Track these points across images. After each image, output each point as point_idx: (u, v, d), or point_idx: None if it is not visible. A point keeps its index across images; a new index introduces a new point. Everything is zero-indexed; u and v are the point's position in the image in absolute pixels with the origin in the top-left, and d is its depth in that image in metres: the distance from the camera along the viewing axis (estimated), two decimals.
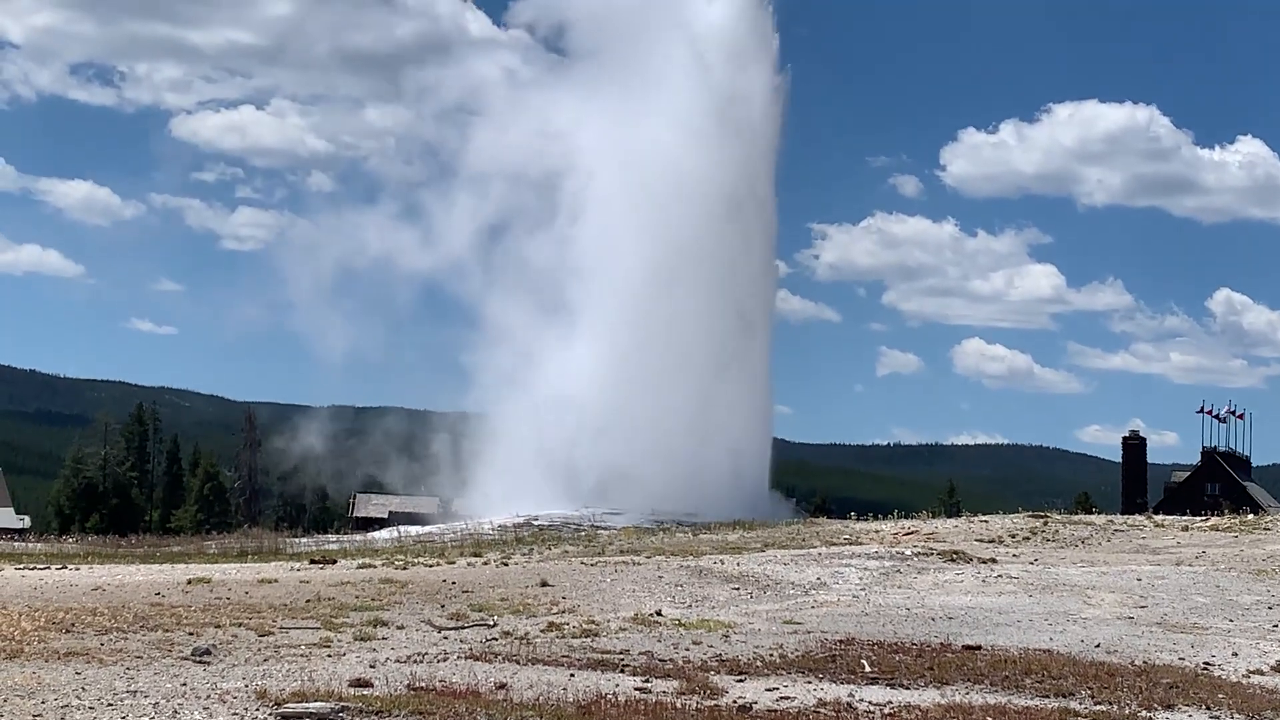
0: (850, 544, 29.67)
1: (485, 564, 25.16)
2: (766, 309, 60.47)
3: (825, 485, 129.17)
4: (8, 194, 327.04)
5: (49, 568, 25.05)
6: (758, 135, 60.15)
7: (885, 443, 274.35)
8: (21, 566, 25.23)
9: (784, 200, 62.64)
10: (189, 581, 20.95)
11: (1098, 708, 12.40)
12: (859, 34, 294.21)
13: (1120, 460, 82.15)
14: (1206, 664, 15.61)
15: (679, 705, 11.68)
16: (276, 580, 21.47)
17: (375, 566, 24.54)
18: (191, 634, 15.34)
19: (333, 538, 39.21)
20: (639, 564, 24.35)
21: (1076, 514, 41.09)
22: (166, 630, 15.56)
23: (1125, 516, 40.13)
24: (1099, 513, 45.96)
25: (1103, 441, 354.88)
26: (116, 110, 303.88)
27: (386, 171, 64.32)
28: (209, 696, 11.18)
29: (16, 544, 51.31)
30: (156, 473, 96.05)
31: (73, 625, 15.62)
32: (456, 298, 62.23)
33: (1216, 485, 76.56)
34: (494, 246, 60.67)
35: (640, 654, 14.90)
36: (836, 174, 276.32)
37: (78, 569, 24.65)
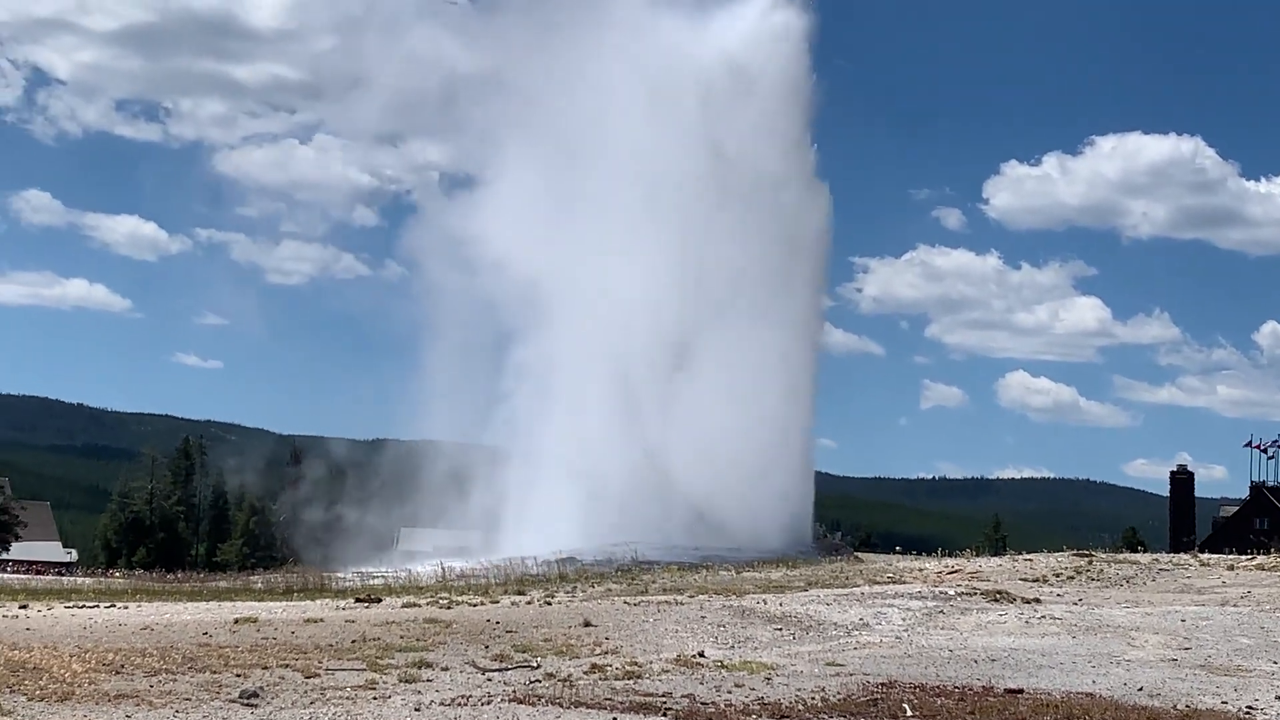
0: (894, 583, 29.65)
1: (529, 603, 25.28)
2: (811, 342, 60.45)
3: (870, 519, 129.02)
4: (55, 228, 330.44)
5: (98, 606, 25.29)
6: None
7: (930, 476, 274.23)
8: (71, 605, 25.49)
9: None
10: (236, 621, 21.14)
11: None
12: (900, 67, 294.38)
13: (1168, 494, 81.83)
14: (1250, 708, 15.58)
15: None
16: (322, 620, 21.63)
17: (420, 605, 24.69)
18: (239, 675, 15.51)
19: (376, 572, 39.38)
20: (682, 603, 24.42)
21: (1122, 551, 40.88)
22: (214, 672, 15.74)
23: (1171, 555, 39.95)
24: (1145, 549, 45.74)
25: (1150, 476, 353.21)
26: (162, 145, 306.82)
27: (430, 205, 64.55)
28: None
29: (64, 578, 51.82)
30: (202, 506, 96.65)
31: (122, 666, 15.81)
32: (498, 331, 62.18)
33: (1265, 520, 76.20)
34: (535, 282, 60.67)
35: (683, 696, 14.98)
36: (879, 207, 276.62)
37: (126, 607, 24.88)
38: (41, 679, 14.74)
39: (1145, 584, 31.08)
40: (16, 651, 16.59)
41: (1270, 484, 78.66)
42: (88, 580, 49.93)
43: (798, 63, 61.36)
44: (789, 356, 57.53)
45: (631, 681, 16.01)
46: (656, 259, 58.39)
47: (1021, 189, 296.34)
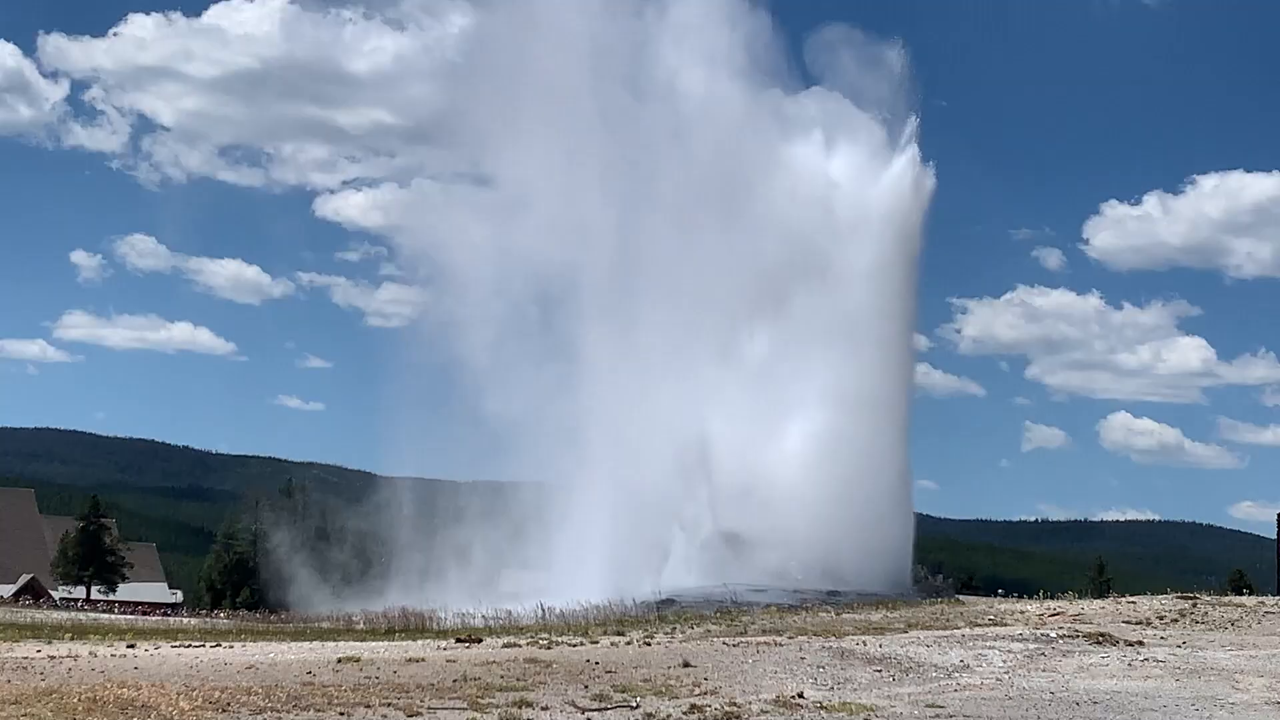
0: (994, 624, 29.47)
1: (628, 643, 25.35)
2: (905, 382, 60.08)
3: (971, 562, 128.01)
4: (160, 273, 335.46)
5: (204, 645, 25.65)
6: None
7: (1032, 519, 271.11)
8: (177, 645, 25.86)
9: (926, 275, 62.17)
10: (339, 660, 21.38)
11: None
12: (999, 106, 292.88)
13: (1275, 537, 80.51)
14: None
15: None
16: (424, 659, 21.83)
17: (520, 645, 24.84)
18: (342, 714, 15.72)
19: (476, 613, 39.52)
20: (781, 644, 24.40)
21: (1229, 593, 40.37)
22: (319, 710, 15.96)
23: (1277, 598, 39.37)
24: (1252, 591, 45.13)
25: (1256, 518, 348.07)
26: (264, 190, 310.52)
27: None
28: None
29: (170, 619, 52.50)
30: (306, 548, 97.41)
31: (228, 704, 16.07)
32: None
33: None
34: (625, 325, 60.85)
35: None
36: (978, 248, 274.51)
37: (231, 647, 25.22)
38: (150, 716, 15.02)
39: (1251, 627, 30.68)
40: (125, 689, 16.90)
41: None
42: (193, 620, 50.55)
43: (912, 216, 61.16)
44: (883, 396, 57.24)
45: None
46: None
47: (1123, 228, 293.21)
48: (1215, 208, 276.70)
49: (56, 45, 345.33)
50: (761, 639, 25.52)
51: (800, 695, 18.64)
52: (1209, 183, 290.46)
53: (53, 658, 22.22)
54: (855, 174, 60.79)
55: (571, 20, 62.79)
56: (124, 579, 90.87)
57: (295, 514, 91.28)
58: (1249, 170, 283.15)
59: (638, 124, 62.58)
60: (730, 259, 59.28)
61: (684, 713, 16.74)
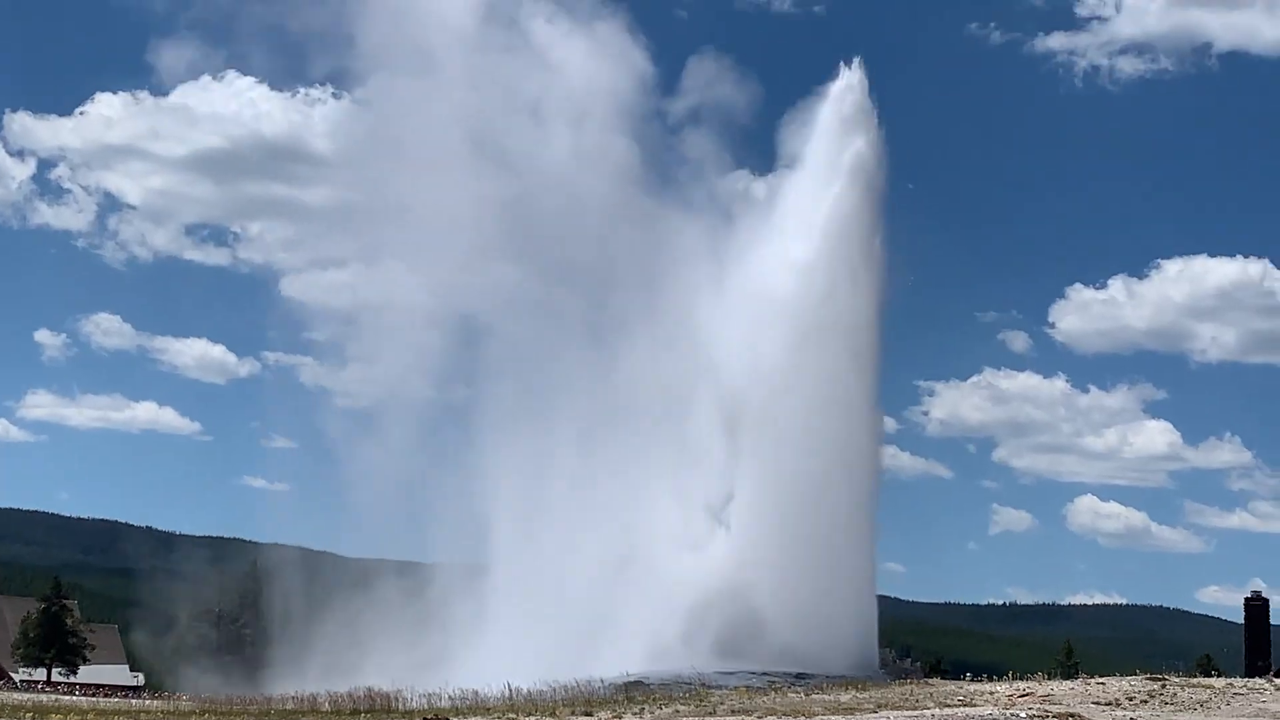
0: (964, 705, 29.35)
1: None
2: (871, 464, 59.81)
3: (940, 645, 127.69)
4: (125, 352, 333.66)
5: None
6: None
7: (1000, 602, 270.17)
8: None
9: (893, 357, 61.95)
10: None
11: None
12: (966, 190, 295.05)
13: (1242, 621, 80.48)
14: None
15: None
16: None
17: None
18: None
19: (443, 693, 39.16)
20: None
21: (1197, 676, 40.30)
22: None
23: (1246, 680, 39.34)
24: (1220, 675, 45.05)
25: (1224, 602, 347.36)
26: (231, 269, 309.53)
27: (499, 327, 65.02)
28: None
29: (133, 701, 51.94)
30: (271, 629, 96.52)
31: None
32: None
33: None
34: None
35: None
36: (945, 330, 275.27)
37: None
38: None
39: (1220, 708, 30.62)
40: None
41: None
42: (155, 703, 50.05)
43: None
44: (848, 478, 57.04)
45: None
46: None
47: (1088, 312, 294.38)
48: (1179, 292, 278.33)
49: (23, 124, 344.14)
50: (731, 719, 25.36)
51: None
52: (1173, 267, 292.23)
53: None
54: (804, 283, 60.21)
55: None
56: (85, 661, 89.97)
57: (259, 595, 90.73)
58: (1212, 255, 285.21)
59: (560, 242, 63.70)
60: (648, 373, 60.02)
61: None
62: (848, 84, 60.45)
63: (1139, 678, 36.64)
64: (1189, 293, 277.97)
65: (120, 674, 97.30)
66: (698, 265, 61.50)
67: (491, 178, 64.49)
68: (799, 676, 45.52)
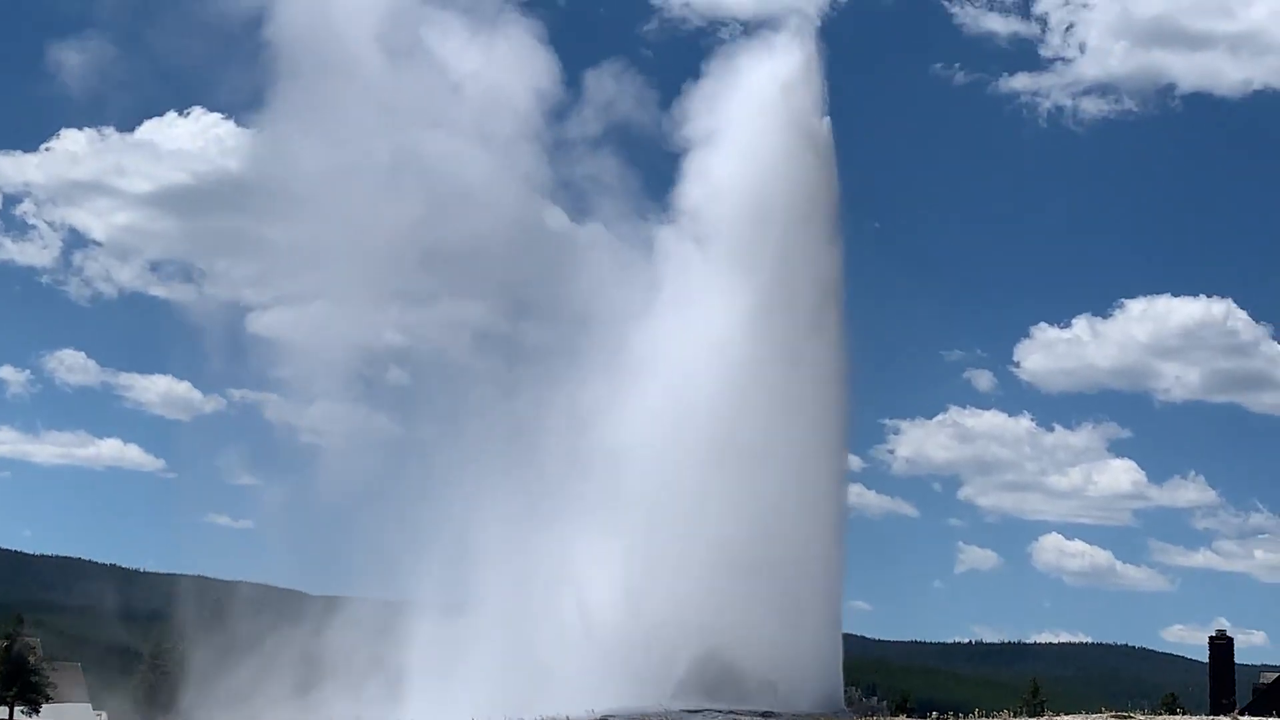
0: None
1: None
2: (835, 503, 59.55)
3: (906, 684, 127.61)
4: (90, 388, 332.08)
5: None
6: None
7: (966, 640, 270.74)
8: None
9: (858, 396, 61.58)
10: None
11: None
12: (932, 229, 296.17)
13: (1207, 660, 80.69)
14: None
15: None
16: None
17: None
18: None
19: None
20: None
21: (1162, 714, 40.48)
22: None
23: (1211, 718, 39.55)
24: (1185, 713, 45.23)
25: (1188, 641, 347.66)
26: (195, 305, 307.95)
27: (466, 364, 65.09)
28: None
29: None
30: (230, 664, 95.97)
31: None
32: None
33: None
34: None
35: None
36: (910, 369, 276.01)
37: None
38: None
39: None
40: None
41: None
42: None
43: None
44: (813, 516, 56.74)
45: None
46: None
47: (1052, 351, 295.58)
48: (1143, 331, 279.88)
49: None
50: None
51: None
52: (1137, 306, 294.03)
53: None
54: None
55: None
56: (48, 699, 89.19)
57: (220, 632, 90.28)
58: (1176, 294, 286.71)
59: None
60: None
61: None
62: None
63: (1105, 715, 36.78)
64: (1153, 332, 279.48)
65: (83, 713, 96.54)
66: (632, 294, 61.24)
67: (413, 202, 64.37)
68: (765, 715, 45.60)
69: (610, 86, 65.82)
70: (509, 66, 64.63)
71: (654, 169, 65.72)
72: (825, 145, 59.73)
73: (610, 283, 61.60)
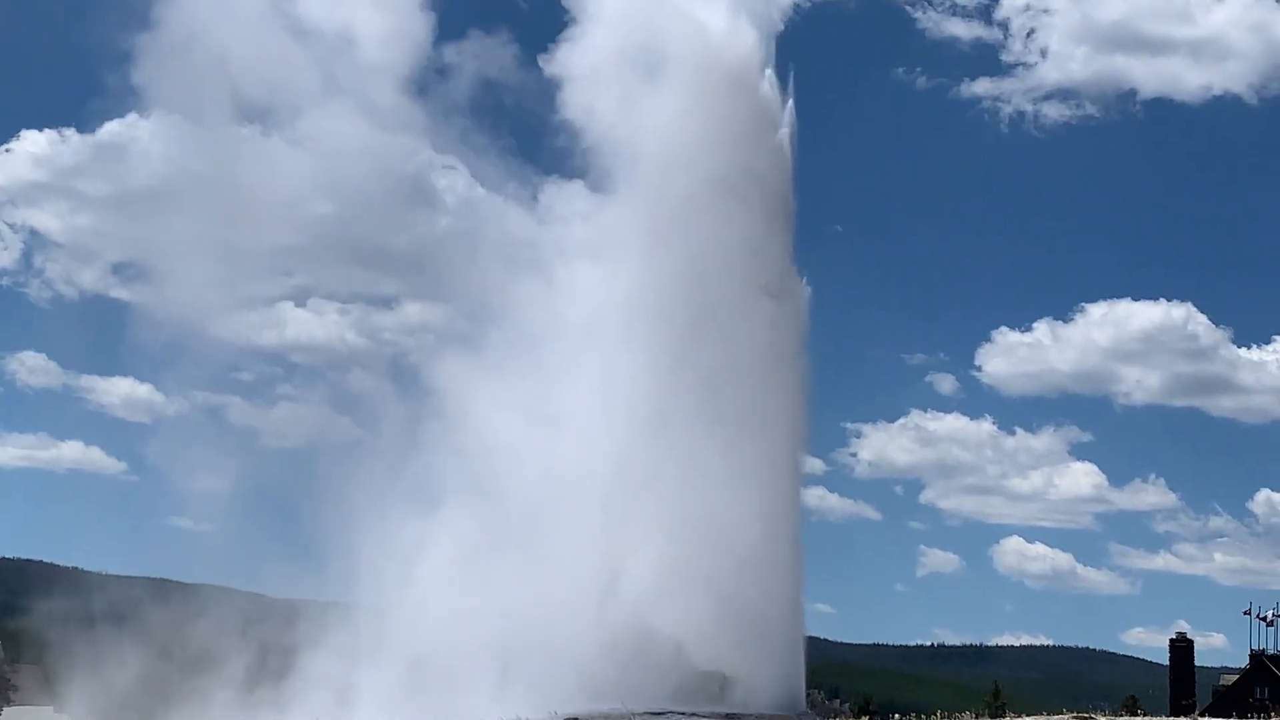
0: None
1: None
2: (793, 505, 59.55)
3: (869, 687, 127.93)
4: (50, 391, 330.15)
5: None
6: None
7: (928, 643, 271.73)
8: None
9: (821, 399, 61.74)
10: None
11: None
12: (894, 234, 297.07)
13: (1167, 663, 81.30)
14: None
15: None
16: None
17: None
18: None
19: None
20: None
21: (1123, 716, 40.81)
22: None
23: (1171, 718, 39.90)
24: (1145, 713, 45.58)
25: (1148, 644, 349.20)
26: (158, 307, 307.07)
27: (427, 366, 64.88)
28: None
29: None
30: (195, 666, 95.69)
31: None
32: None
33: (1265, 689, 75.69)
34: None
35: None
36: (872, 372, 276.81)
37: None
38: None
39: None
40: None
41: (1270, 652, 78.16)
42: None
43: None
44: (767, 515, 56.62)
45: None
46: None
47: (1014, 355, 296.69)
48: (1104, 335, 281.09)
49: None
50: None
51: None
52: (1097, 310, 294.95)
53: None
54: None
55: None
56: (9, 702, 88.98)
57: (180, 636, 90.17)
58: (1136, 298, 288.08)
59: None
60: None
61: None
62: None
63: (1066, 716, 37.05)
64: (1113, 336, 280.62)
65: (45, 715, 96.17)
66: None
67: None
68: (728, 717, 45.66)
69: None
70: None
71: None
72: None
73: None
